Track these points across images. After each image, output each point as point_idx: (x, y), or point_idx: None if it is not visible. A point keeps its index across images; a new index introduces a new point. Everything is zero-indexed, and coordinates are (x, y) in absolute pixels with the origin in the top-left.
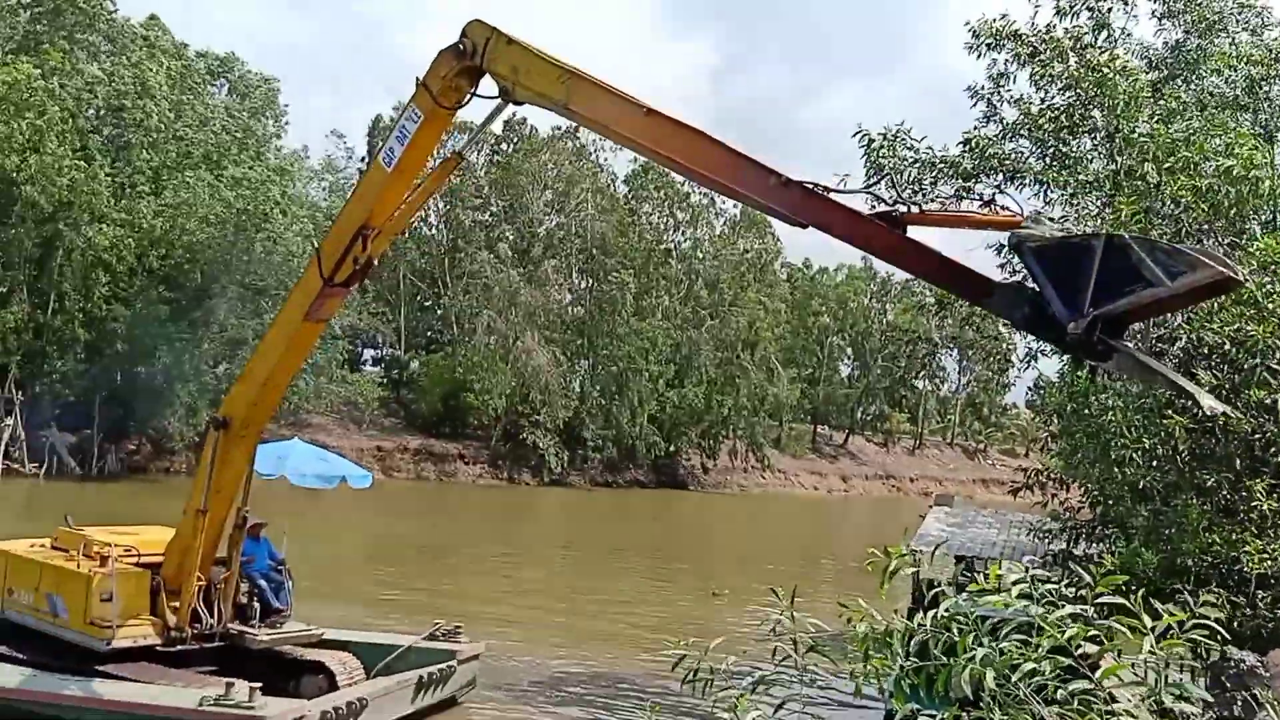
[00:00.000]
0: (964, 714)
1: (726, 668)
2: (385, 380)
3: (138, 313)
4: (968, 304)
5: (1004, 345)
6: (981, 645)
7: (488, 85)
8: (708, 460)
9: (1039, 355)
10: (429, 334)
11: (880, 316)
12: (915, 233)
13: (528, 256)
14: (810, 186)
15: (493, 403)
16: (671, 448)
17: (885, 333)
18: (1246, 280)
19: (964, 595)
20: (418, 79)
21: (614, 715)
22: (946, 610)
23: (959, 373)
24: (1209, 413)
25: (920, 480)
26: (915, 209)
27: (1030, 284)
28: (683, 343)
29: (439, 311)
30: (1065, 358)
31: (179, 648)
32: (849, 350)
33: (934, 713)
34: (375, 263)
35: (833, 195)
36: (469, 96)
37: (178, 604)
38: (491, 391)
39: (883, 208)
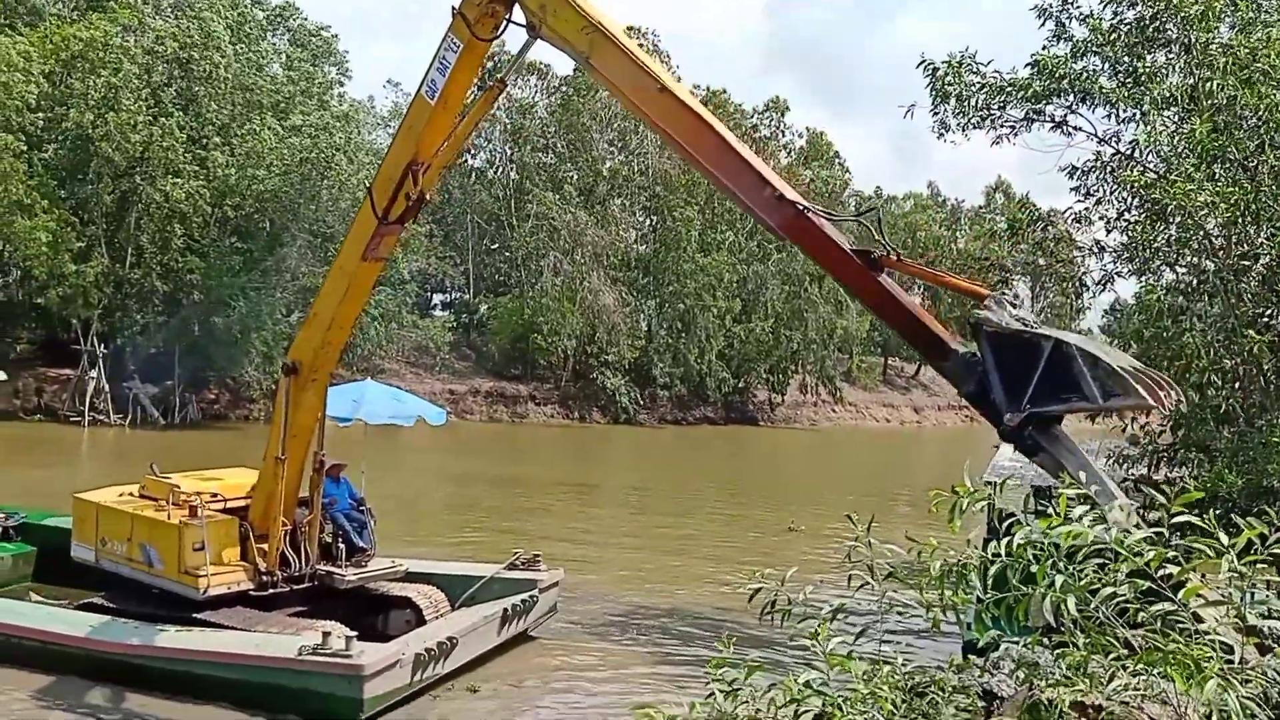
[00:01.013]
0: (1045, 640)
1: (804, 598)
2: (455, 324)
3: (212, 264)
4: (1039, 230)
5: (1078, 270)
6: (1060, 572)
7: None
8: (777, 395)
9: (1115, 277)
10: (497, 277)
11: (950, 244)
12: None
13: (593, 196)
14: (802, 208)
15: (561, 344)
16: (740, 384)
17: (956, 261)
18: (1171, 409)
19: (1039, 523)
20: (453, 7)
21: (690, 646)
22: (1022, 539)
23: (1032, 299)
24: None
25: None
26: (895, 255)
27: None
28: (749, 277)
29: (506, 254)
30: (1142, 280)
31: (271, 591)
32: (918, 280)
33: (1016, 640)
34: (427, 198)
35: (824, 221)
36: (504, 25)
37: (266, 548)
38: (560, 332)
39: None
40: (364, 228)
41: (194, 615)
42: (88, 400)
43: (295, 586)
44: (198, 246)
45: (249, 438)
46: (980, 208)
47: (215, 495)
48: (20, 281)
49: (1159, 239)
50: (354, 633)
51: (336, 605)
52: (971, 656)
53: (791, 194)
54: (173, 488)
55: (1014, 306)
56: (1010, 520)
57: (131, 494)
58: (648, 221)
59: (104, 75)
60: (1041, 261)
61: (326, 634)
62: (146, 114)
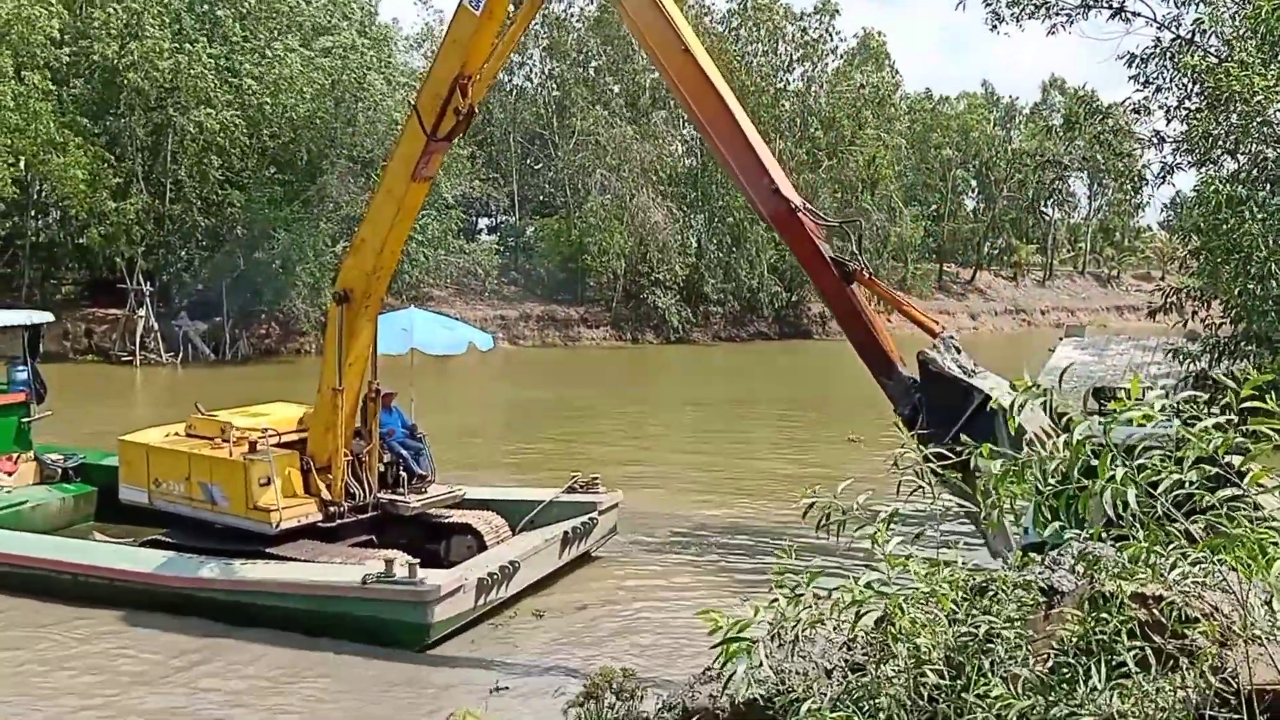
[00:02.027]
0: (1105, 535)
1: (859, 506)
2: (502, 248)
3: (252, 196)
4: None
5: (1137, 164)
6: (1121, 466)
7: None
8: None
9: (1175, 169)
10: (542, 198)
11: (1005, 144)
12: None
13: (636, 109)
14: (795, 207)
15: (611, 264)
16: (794, 297)
17: (1011, 161)
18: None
19: (1100, 418)
20: None
21: (752, 559)
22: (1081, 434)
23: (1089, 197)
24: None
25: (1051, 312)
26: (868, 273)
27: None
28: (800, 186)
29: (551, 174)
30: (1202, 171)
31: (337, 522)
32: (973, 183)
33: (1078, 534)
34: (476, 112)
35: (812, 223)
36: None
37: (331, 479)
38: (609, 252)
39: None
40: (411, 146)
41: (264, 550)
42: (138, 339)
43: (360, 516)
44: (237, 179)
45: (302, 371)
46: (1035, 104)
47: (267, 430)
48: (61, 221)
49: (1219, 127)
50: (417, 560)
51: (398, 535)
52: (1031, 553)
53: (787, 189)
54: (225, 425)
55: (958, 351)
56: (1066, 417)
57: (177, 434)
58: (694, 134)
59: (124, 2)
60: (1099, 156)
61: (390, 561)
62: (172, 41)
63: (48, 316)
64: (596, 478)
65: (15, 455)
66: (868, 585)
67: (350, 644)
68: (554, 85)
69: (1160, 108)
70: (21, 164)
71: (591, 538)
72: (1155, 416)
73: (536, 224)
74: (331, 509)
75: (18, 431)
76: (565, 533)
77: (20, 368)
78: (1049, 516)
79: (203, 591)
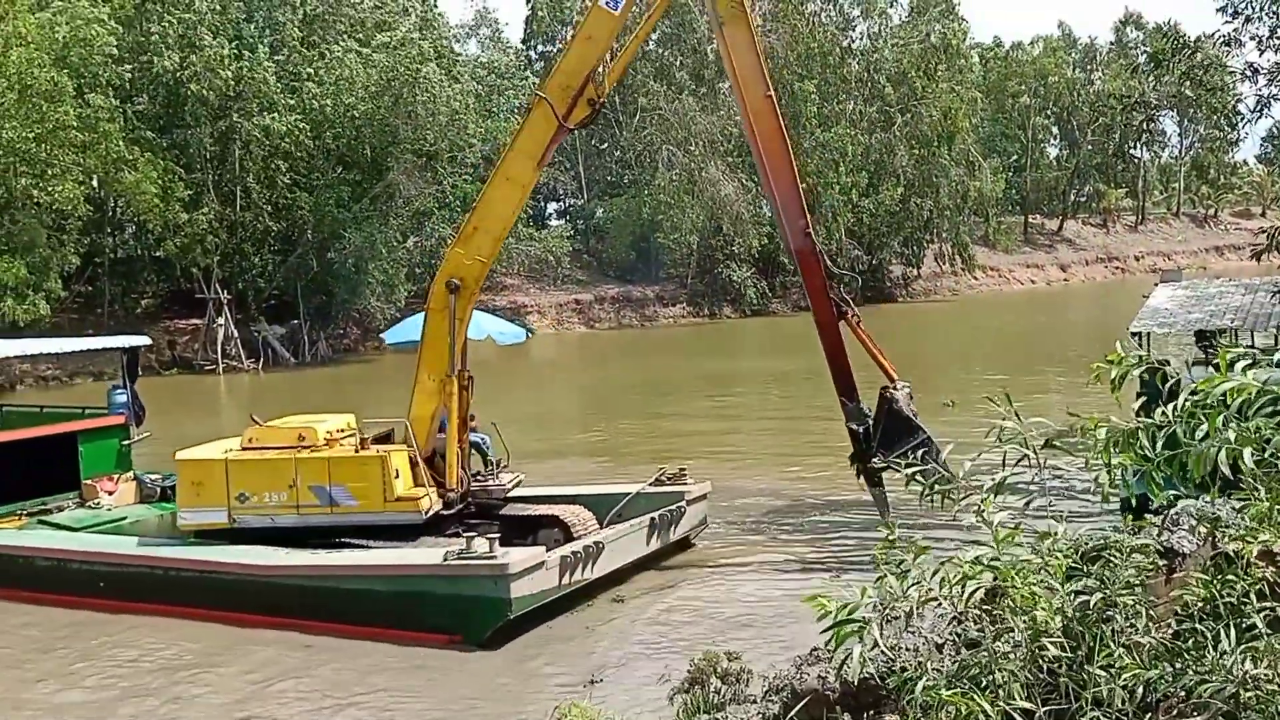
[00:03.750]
0: (1225, 496)
1: (962, 475)
2: (573, 232)
3: (320, 197)
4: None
5: (1230, 97)
6: (1233, 425)
7: None
8: (912, 269)
9: (1271, 103)
10: (609, 178)
11: (1086, 87)
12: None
13: (701, 81)
14: (817, 248)
15: (684, 240)
16: (873, 260)
17: (1094, 104)
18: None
19: (1205, 372)
20: None
21: (850, 536)
22: (1188, 396)
23: (1180, 135)
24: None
25: (1146, 258)
26: (855, 319)
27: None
28: (873, 147)
29: (617, 153)
30: None
31: (455, 509)
32: (1055, 129)
33: (1194, 496)
34: (604, 102)
35: (825, 262)
36: None
37: (437, 471)
38: (681, 228)
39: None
40: (538, 134)
41: (340, 540)
42: (219, 347)
43: (467, 503)
44: (304, 181)
45: (383, 369)
46: (1111, 44)
47: (345, 430)
48: (137, 236)
49: None
50: (496, 536)
51: (486, 528)
52: (1148, 516)
53: (810, 232)
54: (304, 431)
55: (910, 399)
56: (1161, 371)
57: (232, 449)
58: None
59: (176, 13)
60: (1189, 92)
61: (470, 538)
62: (231, 47)
63: (144, 340)
64: (684, 469)
65: (116, 476)
66: (977, 559)
67: (437, 642)
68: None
69: (1251, 38)
70: (94, 182)
71: (680, 527)
72: (1253, 386)
73: (606, 205)
74: (450, 496)
75: (118, 453)
76: (652, 519)
77: (120, 391)
78: (1160, 483)
79: (287, 579)
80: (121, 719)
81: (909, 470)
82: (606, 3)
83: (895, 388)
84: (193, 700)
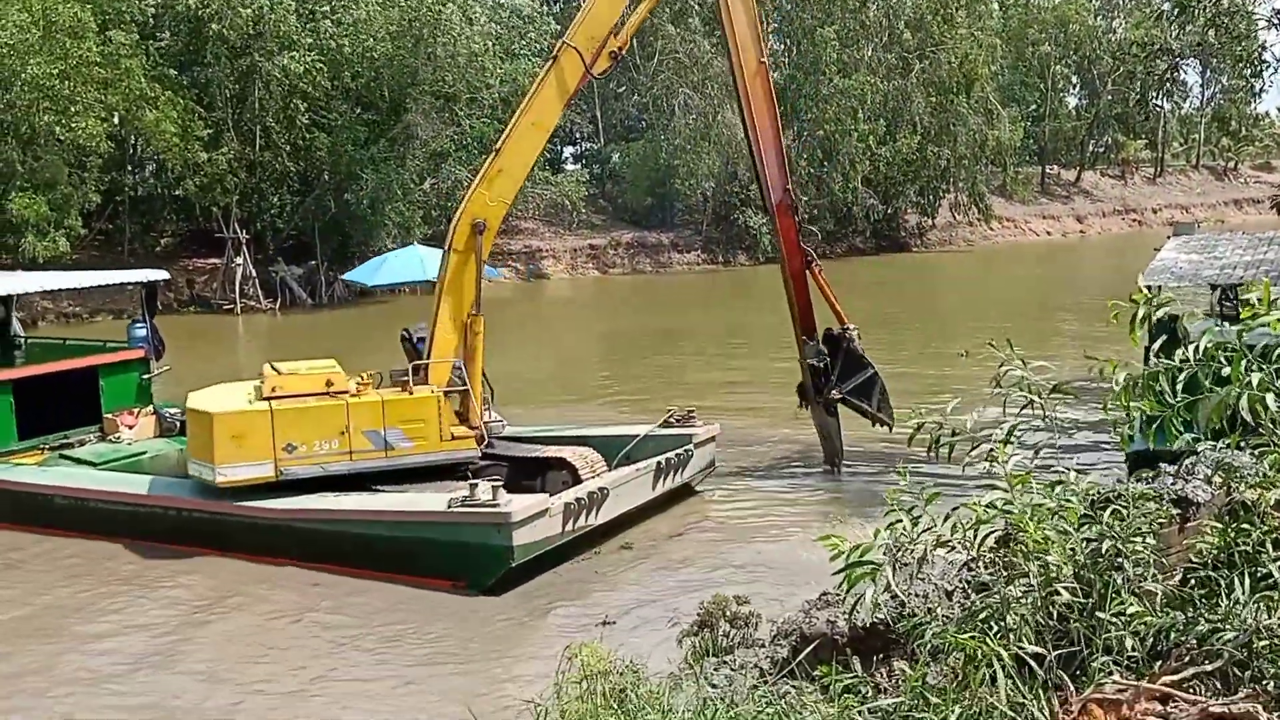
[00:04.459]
0: (1243, 443)
1: (971, 424)
2: (588, 177)
3: (338, 138)
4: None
5: (1254, 45)
6: (1256, 371)
7: None
8: (927, 219)
9: None
10: (627, 122)
11: (1108, 35)
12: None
13: (717, 25)
14: (795, 208)
15: (700, 186)
16: (889, 210)
17: (1116, 53)
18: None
19: (1222, 323)
20: None
21: (861, 484)
22: (1210, 340)
23: (1202, 85)
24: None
25: (1164, 210)
26: (818, 268)
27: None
28: (890, 94)
29: (634, 96)
30: None
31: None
32: (1074, 79)
33: (1213, 444)
34: (624, 53)
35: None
36: None
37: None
38: (697, 174)
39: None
40: (565, 82)
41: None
42: (238, 287)
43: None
44: (322, 122)
45: (401, 309)
46: None
47: (369, 374)
48: (157, 175)
49: None
50: (500, 481)
51: (495, 470)
52: (1163, 466)
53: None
54: (330, 377)
55: (859, 339)
56: (1171, 320)
57: (247, 394)
58: (780, 46)
59: None
60: (1213, 40)
61: (474, 484)
62: None
63: (163, 274)
64: (692, 411)
65: (136, 410)
66: (990, 504)
67: (442, 588)
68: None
69: None
70: (115, 119)
71: (687, 470)
72: None
73: (622, 149)
74: (479, 433)
75: (138, 387)
76: (659, 464)
77: (139, 325)
78: (1180, 428)
79: (296, 522)
80: (139, 651)
81: (863, 407)
82: None
83: (848, 330)
84: (204, 635)
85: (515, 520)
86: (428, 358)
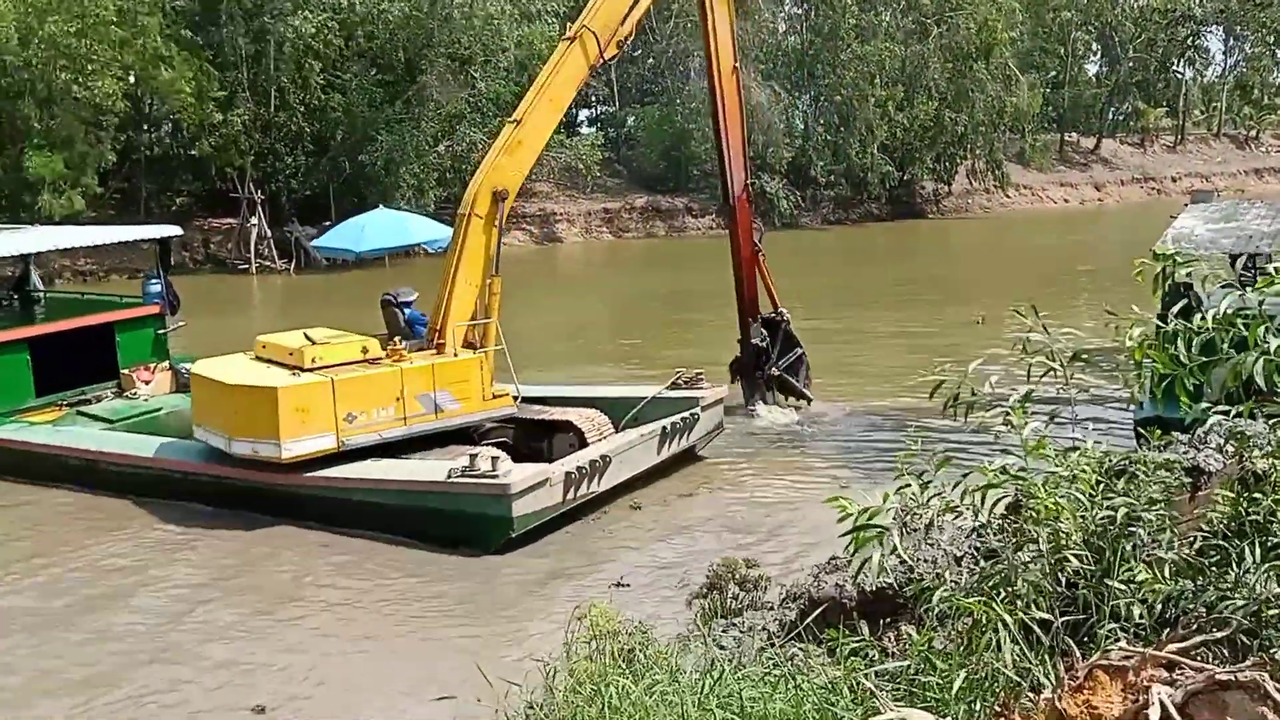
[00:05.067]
0: (1257, 411)
1: (989, 388)
2: (603, 140)
3: (353, 99)
4: None
5: (1277, 13)
6: (1276, 336)
7: None
8: (944, 185)
9: None
10: (643, 86)
11: (1130, 2)
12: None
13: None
14: (751, 195)
15: (715, 150)
16: (905, 176)
17: (1138, 19)
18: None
19: (1240, 291)
20: None
21: (872, 449)
22: (1231, 305)
23: (1225, 53)
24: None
25: (1184, 179)
26: (762, 255)
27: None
28: (908, 59)
29: (650, 60)
30: None
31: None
32: (1095, 46)
33: (1225, 410)
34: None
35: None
36: None
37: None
38: (711, 139)
39: None
40: (583, 63)
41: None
42: (253, 248)
43: None
44: (338, 82)
45: (415, 271)
46: None
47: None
48: (173, 134)
49: None
50: (499, 453)
51: (502, 432)
52: (1175, 433)
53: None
54: (366, 344)
55: (789, 322)
56: (1185, 288)
57: (261, 360)
58: (798, 11)
59: None
60: (1237, 6)
61: (474, 455)
62: None
63: (176, 230)
64: (700, 374)
65: (152, 365)
66: (1002, 469)
67: (457, 546)
68: None
69: None
70: (131, 78)
71: (694, 434)
72: None
73: (637, 113)
74: (516, 391)
75: (154, 342)
76: (664, 428)
77: (154, 281)
78: (1193, 393)
79: (296, 488)
80: (153, 608)
81: (793, 384)
82: None
83: (782, 314)
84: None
85: (514, 491)
86: (442, 320)
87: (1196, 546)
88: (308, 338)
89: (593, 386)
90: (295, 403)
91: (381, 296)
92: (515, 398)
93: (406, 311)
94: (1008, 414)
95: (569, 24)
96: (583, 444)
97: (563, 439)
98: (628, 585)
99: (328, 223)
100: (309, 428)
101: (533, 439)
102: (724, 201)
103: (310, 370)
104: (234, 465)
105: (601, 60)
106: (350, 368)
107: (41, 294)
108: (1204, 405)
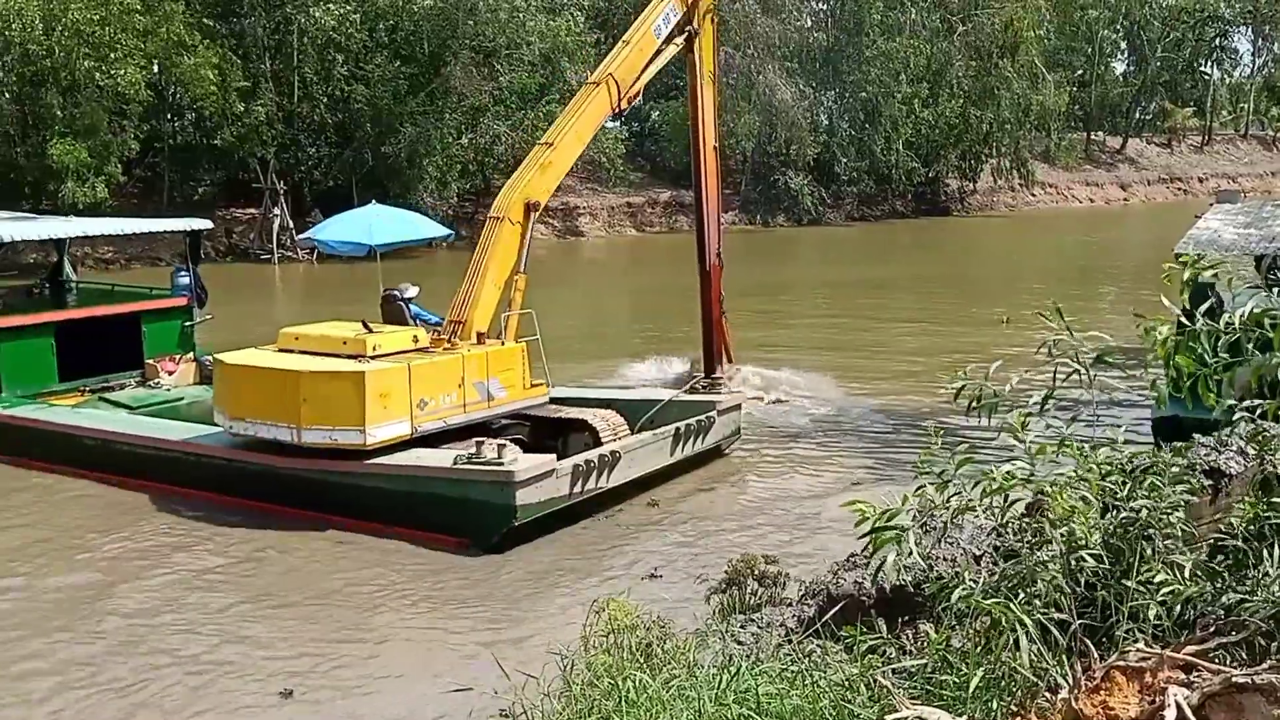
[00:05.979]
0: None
1: (1011, 389)
2: (627, 135)
3: (376, 91)
4: None
5: None
6: None
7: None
8: (969, 183)
9: None
10: (666, 80)
11: (1157, 1)
12: None
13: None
14: (721, 268)
15: (739, 145)
16: (930, 173)
17: (1165, 18)
18: None
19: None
20: None
21: (893, 447)
22: (1258, 306)
23: (1253, 53)
24: None
25: (1210, 179)
26: (726, 315)
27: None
28: (934, 56)
29: None
30: None
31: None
32: (1122, 44)
33: (1249, 410)
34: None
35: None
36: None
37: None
38: (737, 133)
39: None
40: (604, 107)
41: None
42: (275, 238)
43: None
44: (361, 73)
45: (437, 264)
46: None
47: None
48: (196, 124)
49: None
50: (506, 442)
51: (518, 430)
52: (1196, 436)
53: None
54: (416, 334)
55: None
56: (1209, 289)
57: (286, 350)
58: (822, 6)
59: None
60: (1265, 7)
61: (480, 442)
62: None
63: (207, 224)
64: (719, 378)
65: (178, 356)
66: (1009, 473)
67: (449, 545)
68: None
69: None
70: (155, 67)
71: (710, 437)
72: None
73: (661, 108)
74: (547, 381)
75: (181, 334)
76: (678, 429)
77: (183, 273)
78: (1216, 393)
79: (310, 473)
80: (167, 597)
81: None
82: (655, 32)
83: (718, 377)
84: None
85: (519, 480)
86: (467, 314)
87: (1216, 550)
88: (366, 326)
89: (610, 389)
90: (380, 388)
91: (383, 292)
92: (549, 385)
93: (411, 307)
94: (1012, 421)
95: (593, 29)
96: (598, 444)
97: (578, 439)
98: (660, 576)
99: None
100: (390, 414)
101: (548, 438)
102: (700, 266)
103: (377, 358)
104: (252, 451)
105: (616, 109)
106: (415, 355)
107: (74, 284)
108: (1230, 403)
